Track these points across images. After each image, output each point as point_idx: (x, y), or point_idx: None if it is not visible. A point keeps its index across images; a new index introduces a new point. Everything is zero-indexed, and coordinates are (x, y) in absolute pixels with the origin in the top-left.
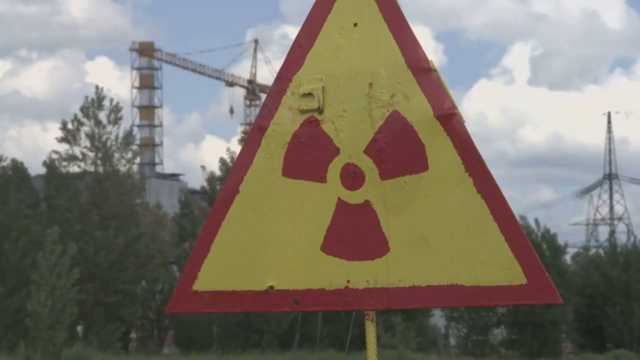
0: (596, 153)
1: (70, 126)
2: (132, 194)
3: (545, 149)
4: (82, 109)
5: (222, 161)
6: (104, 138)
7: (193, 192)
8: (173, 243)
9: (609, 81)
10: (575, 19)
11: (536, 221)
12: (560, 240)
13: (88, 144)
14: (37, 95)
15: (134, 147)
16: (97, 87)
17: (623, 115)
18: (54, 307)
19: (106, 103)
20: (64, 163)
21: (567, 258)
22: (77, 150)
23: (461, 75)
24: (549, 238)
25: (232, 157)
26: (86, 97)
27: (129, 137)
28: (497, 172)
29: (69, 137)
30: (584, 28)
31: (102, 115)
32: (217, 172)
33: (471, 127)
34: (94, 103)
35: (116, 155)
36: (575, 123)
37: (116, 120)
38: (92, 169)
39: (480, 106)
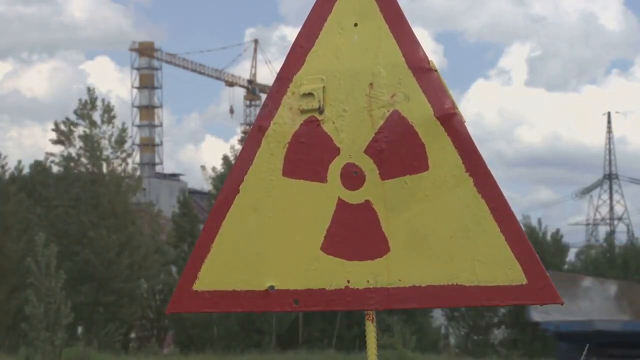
0: (594, 153)
1: (63, 127)
2: (128, 193)
3: (543, 149)
4: (75, 111)
5: (225, 159)
6: (97, 138)
7: (193, 192)
8: (171, 243)
9: (606, 82)
10: (573, 20)
11: (539, 221)
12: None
13: (82, 144)
14: (37, 96)
15: (128, 146)
16: (88, 89)
17: (621, 115)
18: (49, 308)
19: (99, 103)
20: (58, 165)
21: (570, 258)
22: (72, 152)
23: (459, 76)
24: (555, 238)
25: (235, 156)
26: (80, 100)
27: (122, 135)
28: (495, 173)
29: (62, 138)
30: (582, 30)
31: (96, 116)
32: (220, 170)
33: (468, 127)
34: (87, 105)
35: (111, 155)
36: (573, 123)
37: (110, 120)
38: (88, 169)
39: (477, 107)
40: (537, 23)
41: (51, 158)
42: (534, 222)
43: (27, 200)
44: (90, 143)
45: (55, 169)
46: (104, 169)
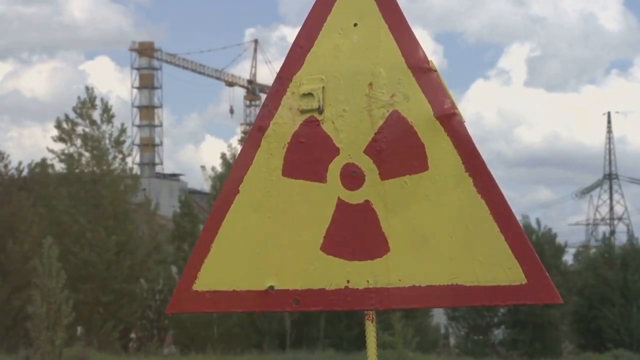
0: (594, 153)
1: (65, 125)
2: (127, 192)
3: (542, 149)
4: (74, 109)
5: (224, 157)
6: (96, 137)
7: (193, 192)
8: (172, 243)
9: (606, 82)
10: (573, 21)
11: (537, 221)
12: (560, 241)
13: (82, 143)
14: (37, 96)
15: (126, 146)
16: (87, 88)
17: (621, 115)
18: (51, 307)
19: (98, 103)
20: (61, 164)
21: (568, 258)
22: (72, 150)
23: (458, 76)
24: (549, 238)
25: (233, 154)
26: (78, 98)
27: (121, 135)
28: (495, 173)
29: (64, 135)
30: (581, 30)
31: (96, 115)
32: (219, 169)
33: (468, 127)
34: (86, 103)
35: (110, 154)
36: (572, 123)
37: (109, 119)
38: (88, 169)
39: (477, 107)
40: (537, 23)
41: (52, 156)
42: (533, 223)
43: (28, 199)
44: (92, 142)
45: (57, 167)
46: (105, 169)
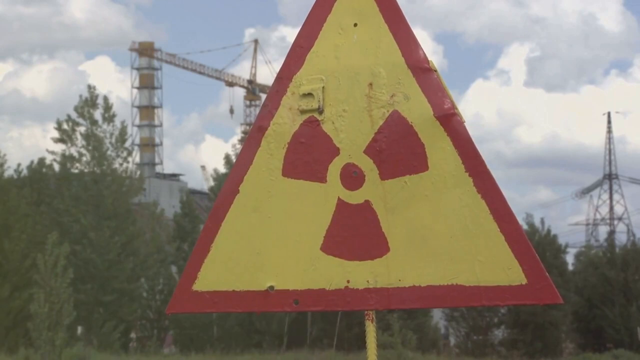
0: (594, 153)
1: (65, 126)
2: (129, 193)
3: (542, 149)
4: (76, 109)
5: (227, 158)
6: (99, 136)
7: (193, 192)
8: (172, 243)
9: (605, 83)
10: (573, 21)
11: (542, 221)
12: (560, 241)
13: (84, 143)
14: (37, 96)
15: (129, 145)
16: (89, 86)
17: (621, 115)
18: (53, 307)
19: (100, 102)
20: (60, 163)
21: (568, 258)
22: (73, 150)
23: (458, 76)
24: (550, 238)
25: (237, 154)
26: (80, 97)
27: (123, 133)
28: (495, 173)
29: (64, 137)
30: (581, 30)
31: (97, 114)
32: (221, 170)
33: (468, 127)
34: (88, 102)
35: (112, 154)
36: (572, 124)
37: (110, 118)
38: (89, 169)
39: (476, 107)
40: (537, 24)
41: (52, 157)
42: (536, 222)
43: (28, 199)
44: (94, 141)
45: (57, 167)
46: (107, 168)
